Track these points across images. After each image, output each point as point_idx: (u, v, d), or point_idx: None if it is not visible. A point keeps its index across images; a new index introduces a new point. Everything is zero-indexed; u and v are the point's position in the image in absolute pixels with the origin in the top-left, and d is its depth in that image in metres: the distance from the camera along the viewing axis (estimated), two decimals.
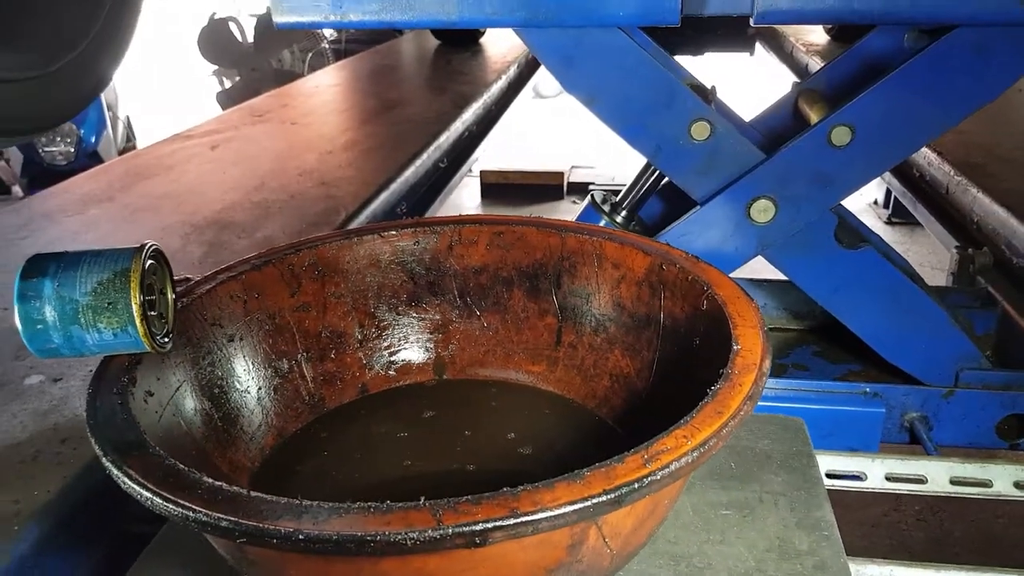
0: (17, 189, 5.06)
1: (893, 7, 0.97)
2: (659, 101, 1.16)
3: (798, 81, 1.55)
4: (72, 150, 5.41)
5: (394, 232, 0.89)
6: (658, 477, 0.49)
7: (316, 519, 0.46)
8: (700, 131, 1.16)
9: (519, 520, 0.45)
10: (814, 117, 1.24)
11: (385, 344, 0.90)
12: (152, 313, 0.70)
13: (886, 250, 1.32)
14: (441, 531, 0.44)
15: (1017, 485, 0.94)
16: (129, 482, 0.52)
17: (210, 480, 0.51)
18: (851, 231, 1.27)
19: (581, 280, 0.85)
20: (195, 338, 0.75)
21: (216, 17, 5.08)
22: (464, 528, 0.45)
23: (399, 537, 0.44)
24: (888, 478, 0.96)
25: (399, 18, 1.08)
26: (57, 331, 0.67)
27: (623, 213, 1.34)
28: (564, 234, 0.86)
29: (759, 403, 0.59)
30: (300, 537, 0.45)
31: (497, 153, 4.74)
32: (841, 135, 1.12)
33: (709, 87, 1.29)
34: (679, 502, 0.81)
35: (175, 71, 8.56)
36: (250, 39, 5.12)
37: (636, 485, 0.48)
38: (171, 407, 0.69)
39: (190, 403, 0.72)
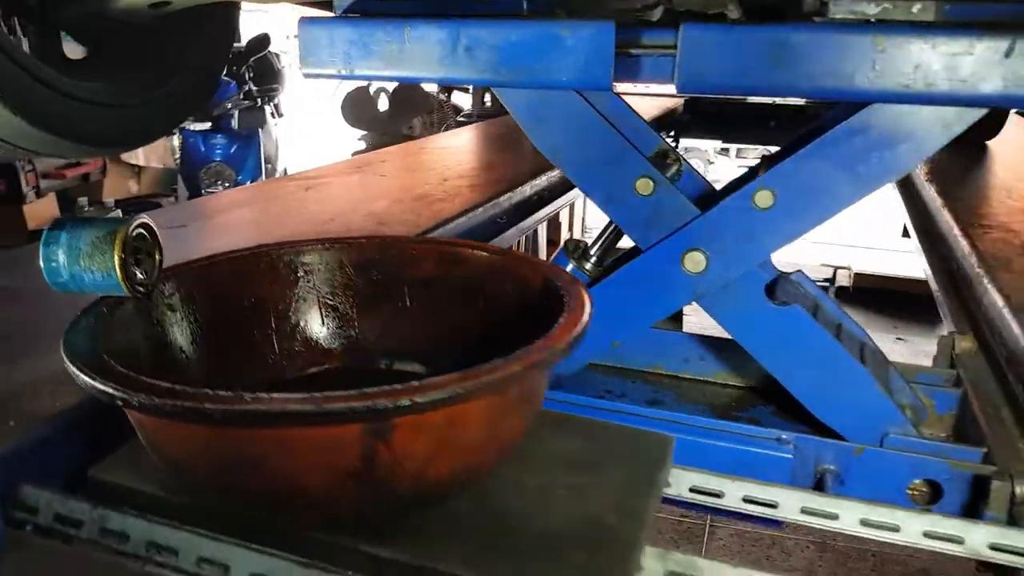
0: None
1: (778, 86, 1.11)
2: (609, 158, 1.33)
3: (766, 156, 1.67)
4: None
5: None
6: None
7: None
8: (644, 187, 1.32)
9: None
10: None
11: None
12: (135, 268, 0.95)
13: (834, 315, 1.41)
14: None
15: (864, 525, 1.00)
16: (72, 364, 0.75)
17: (116, 368, 0.74)
18: (792, 291, 1.37)
19: None
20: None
21: (361, 85, 5.67)
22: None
23: None
24: (745, 499, 1.05)
25: (395, 74, 1.33)
26: (65, 269, 0.93)
27: (592, 260, 1.50)
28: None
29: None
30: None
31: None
32: (764, 198, 1.24)
33: (670, 150, 1.44)
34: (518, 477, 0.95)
35: (333, 130, 9.45)
36: (385, 107, 5.66)
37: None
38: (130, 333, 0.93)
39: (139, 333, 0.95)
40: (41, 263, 0.93)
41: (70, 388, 1.11)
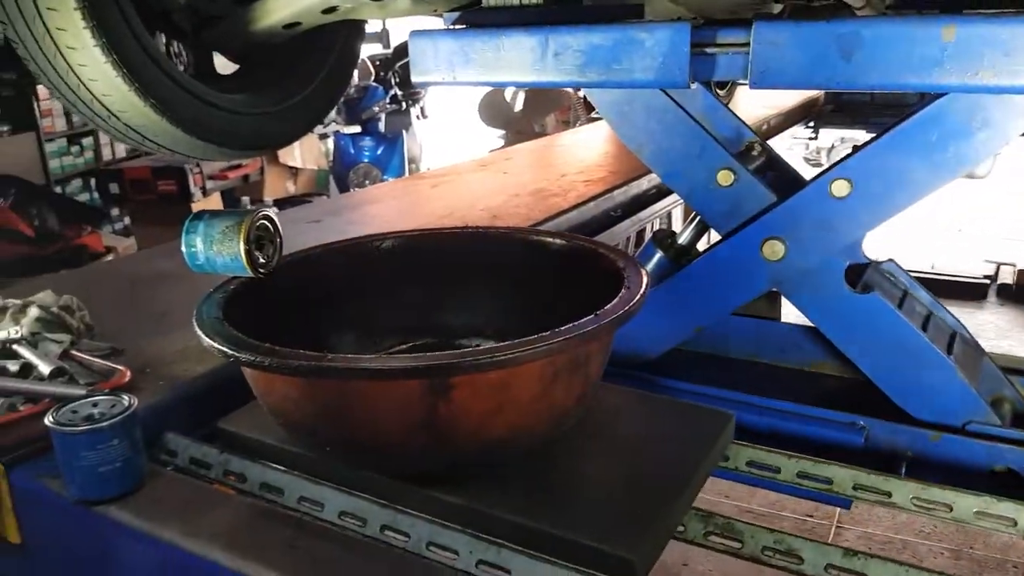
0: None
1: (853, 79, 1.13)
2: (691, 151, 1.40)
3: None
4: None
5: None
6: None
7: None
8: (725, 178, 1.38)
9: None
10: None
11: None
12: (258, 253, 1.13)
13: (926, 304, 1.40)
14: None
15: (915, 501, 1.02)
16: (200, 330, 0.93)
17: (232, 332, 0.91)
18: (879, 280, 1.38)
19: None
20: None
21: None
22: None
23: None
24: (799, 475, 1.09)
25: (493, 79, 1.46)
26: (201, 253, 1.13)
27: (674, 248, 1.56)
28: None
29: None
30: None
31: None
32: (840, 188, 1.27)
33: (753, 143, 1.48)
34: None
35: (475, 130, 9.79)
36: (519, 106, 5.84)
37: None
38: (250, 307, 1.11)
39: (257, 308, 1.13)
40: (183, 248, 1.13)
41: (211, 356, 1.32)
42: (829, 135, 4.75)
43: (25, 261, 4.39)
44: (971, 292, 4.53)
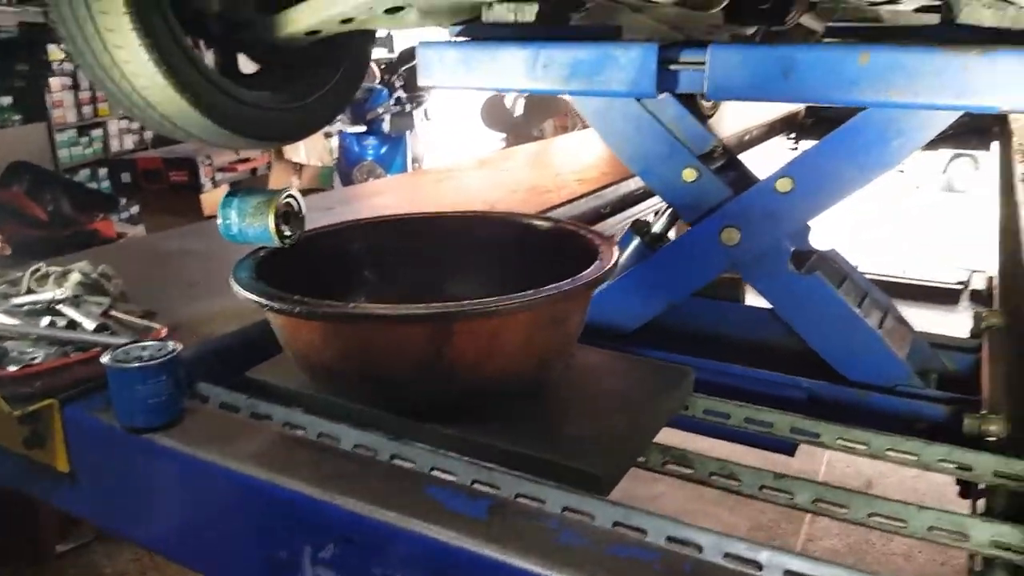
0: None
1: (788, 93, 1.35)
2: (662, 152, 1.61)
3: None
4: None
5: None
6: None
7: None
8: (690, 175, 1.60)
9: None
10: None
11: None
12: (284, 226, 1.33)
13: (862, 286, 1.62)
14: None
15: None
16: (237, 286, 1.14)
17: (266, 288, 1.12)
18: (822, 264, 1.59)
19: None
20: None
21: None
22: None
23: None
24: (746, 420, 1.31)
25: (491, 84, 1.67)
26: (235, 224, 1.33)
27: (649, 235, 1.78)
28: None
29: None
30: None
31: None
32: (784, 184, 1.49)
33: (716, 145, 1.70)
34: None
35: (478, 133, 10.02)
36: (520, 111, 6.07)
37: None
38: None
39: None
40: (219, 220, 1.33)
41: (237, 318, 1.53)
42: (809, 145, 5.02)
43: (39, 243, 4.58)
44: (945, 296, 4.77)
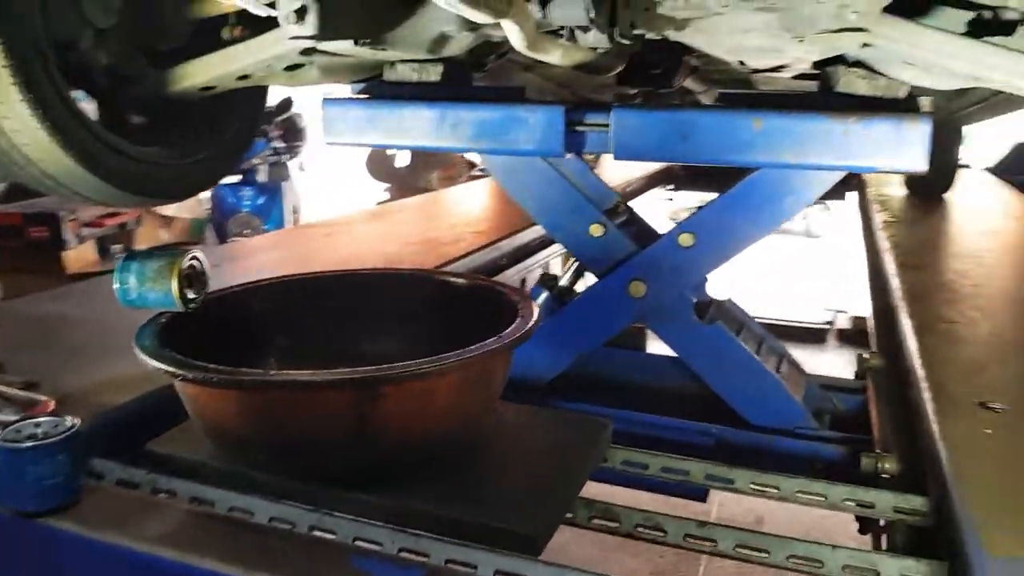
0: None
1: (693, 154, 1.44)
2: (568, 208, 1.66)
3: None
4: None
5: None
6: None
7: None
8: (597, 230, 1.65)
9: None
10: None
11: None
12: (188, 290, 1.27)
13: (758, 333, 1.71)
14: None
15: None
16: (143, 355, 1.08)
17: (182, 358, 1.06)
18: (721, 313, 1.67)
19: None
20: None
21: None
22: None
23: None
24: (663, 469, 1.34)
25: (397, 143, 1.67)
26: (134, 289, 1.26)
27: (557, 288, 1.82)
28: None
29: None
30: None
31: None
32: (686, 239, 1.57)
33: (618, 202, 1.77)
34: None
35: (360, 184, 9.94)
36: (405, 163, 6.10)
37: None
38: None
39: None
40: (115, 285, 1.26)
41: (128, 386, 1.43)
42: (685, 196, 5.29)
43: None
44: (813, 336, 5.09)
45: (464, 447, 1.23)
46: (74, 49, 1.61)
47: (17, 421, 1.13)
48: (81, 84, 1.74)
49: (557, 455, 1.27)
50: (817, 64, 1.47)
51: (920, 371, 1.64)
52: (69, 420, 1.12)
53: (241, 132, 2.06)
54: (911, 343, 1.81)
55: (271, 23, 1.63)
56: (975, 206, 3.49)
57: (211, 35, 1.76)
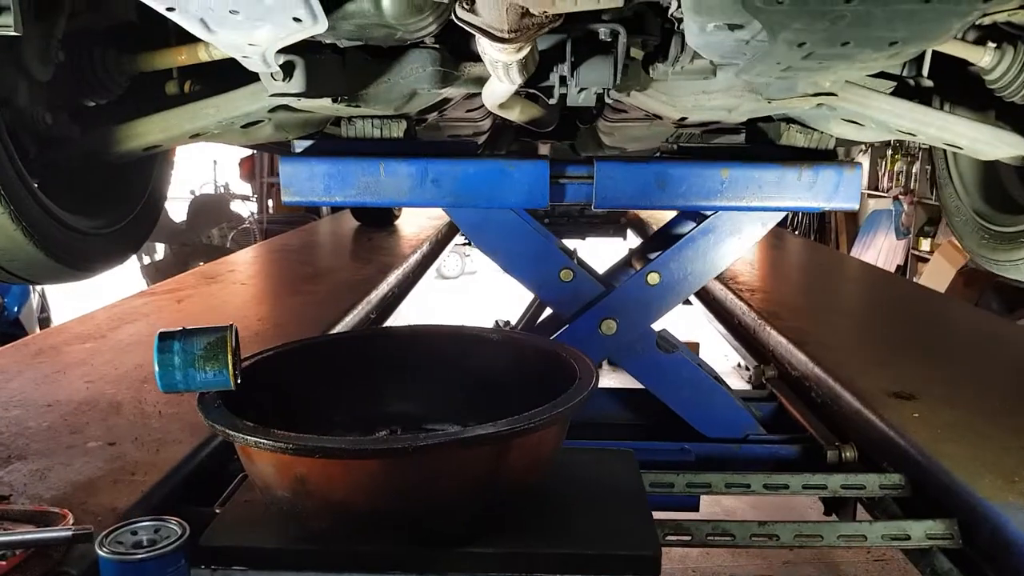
0: None
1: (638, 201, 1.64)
2: (538, 255, 1.77)
3: (632, 248, 2.22)
4: None
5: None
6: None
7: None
8: (566, 275, 1.77)
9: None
10: (639, 267, 1.88)
11: None
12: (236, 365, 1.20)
13: (692, 358, 1.94)
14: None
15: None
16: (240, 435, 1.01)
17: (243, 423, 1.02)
18: (671, 343, 1.87)
19: None
20: None
21: None
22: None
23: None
24: (688, 485, 1.50)
25: (369, 199, 1.67)
26: (180, 371, 1.16)
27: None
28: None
29: None
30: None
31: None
32: (653, 278, 1.75)
33: (573, 250, 1.92)
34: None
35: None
36: (181, 218, 5.68)
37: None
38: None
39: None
40: (156, 368, 1.16)
41: (120, 486, 1.28)
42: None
43: None
44: None
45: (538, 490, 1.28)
46: (9, 106, 1.42)
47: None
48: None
49: (615, 486, 1.36)
50: (748, 121, 1.75)
51: (822, 375, 1.98)
52: (174, 522, 1.02)
53: (154, 196, 1.90)
54: (796, 354, 2.17)
55: (227, 79, 1.57)
56: None
57: (145, 91, 1.64)
